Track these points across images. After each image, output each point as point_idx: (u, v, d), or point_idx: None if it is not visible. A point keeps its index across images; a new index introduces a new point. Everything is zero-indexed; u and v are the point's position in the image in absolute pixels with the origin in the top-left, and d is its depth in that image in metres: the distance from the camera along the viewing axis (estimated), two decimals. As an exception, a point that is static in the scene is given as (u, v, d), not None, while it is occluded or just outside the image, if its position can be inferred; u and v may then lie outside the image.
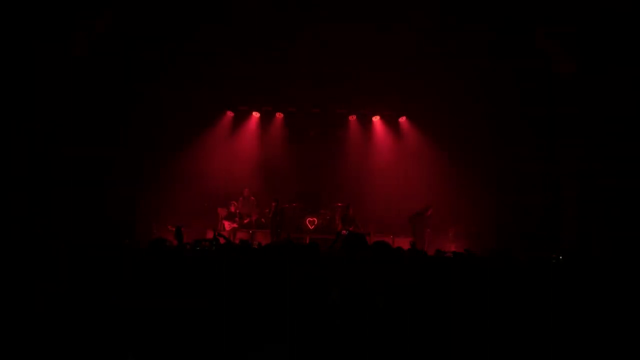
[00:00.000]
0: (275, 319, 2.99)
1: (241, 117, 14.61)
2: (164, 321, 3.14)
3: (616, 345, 3.32)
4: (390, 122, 14.70)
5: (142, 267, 4.01)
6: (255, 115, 14.61)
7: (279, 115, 14.67)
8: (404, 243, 12.08)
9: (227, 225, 12.64)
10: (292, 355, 2.82)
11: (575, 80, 9.92)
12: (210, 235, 10.70)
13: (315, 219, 13.81)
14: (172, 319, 3.16)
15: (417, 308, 3.19)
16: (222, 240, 7.13)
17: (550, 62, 10.48)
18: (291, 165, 14.07)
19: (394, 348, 2.84)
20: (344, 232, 10.66)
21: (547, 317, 3.51)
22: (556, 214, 10.58)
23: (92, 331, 3.05)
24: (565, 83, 10.12)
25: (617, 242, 8.59)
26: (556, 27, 9.98)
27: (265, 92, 13.53)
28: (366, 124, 14.70)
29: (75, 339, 3.01)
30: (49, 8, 9.13)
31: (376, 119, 14.69)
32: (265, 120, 14.69)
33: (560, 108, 10.37)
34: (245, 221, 13.12)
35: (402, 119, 14.63)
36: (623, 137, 9.13)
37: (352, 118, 14.73)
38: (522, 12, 10.12)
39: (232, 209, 12.79)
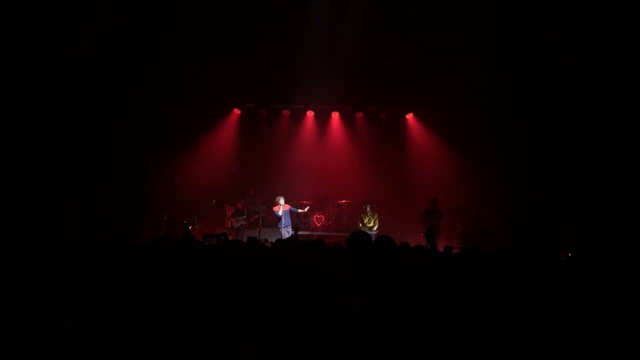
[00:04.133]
0: (279, 316, 3.01)
1: (248, 115, 14.67)
2: (169, 318, 3.17)
3: (626, 343, 3.30)
4: (399, 119, 14.69)
5: (149, 264, 4.06)
6: (262, 113, 14.66)
7: (286, 113, 14.72)
8: (412, 241, 12.08)
9: (234, 222, 12.69)
10: (297, 350, 2.84)
11: (584, 77, 9.84)
12: (218, 231, 10.76)
13: (322, 217, 13.83)
14: (178, 316, 3.19)
15: (421, 306, 3.20)
16: None
17: (561, 58, 10.39)
18: (298, 162, 14.09)
19: (396, 347, 2.85)
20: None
21: (554, 315, 3.50)
22: (565, 212, 10.52)
23: (93, 329, 3.07)
24: (575, 79, 10.04)
25: (622, 241, 8.52)
26: (562, 24, 9.90)
27: (272, 90, 13.55)
28: (374, 121, 14.70)
29: (76, 338, 3.04)
30: (53, 10, 9.16)
31: (384, 116, 14.68)
32: (272, 118, 14.74)
33: (572, 106, 10.29)
34: (253, 219, 13.16)
35: (409, 116, 14.62)
36: (630, 135, 9.06)
37: (359, 115, 14.75)
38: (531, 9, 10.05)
39: (239, 206, 12.85)
